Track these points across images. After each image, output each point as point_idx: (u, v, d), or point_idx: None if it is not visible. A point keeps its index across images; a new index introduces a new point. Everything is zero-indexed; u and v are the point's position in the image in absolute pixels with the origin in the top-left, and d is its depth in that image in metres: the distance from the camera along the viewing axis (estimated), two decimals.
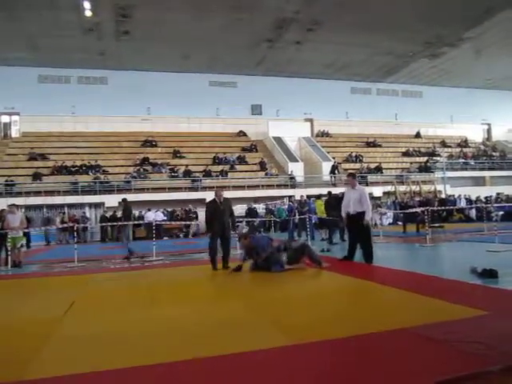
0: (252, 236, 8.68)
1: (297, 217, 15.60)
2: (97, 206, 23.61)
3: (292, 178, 27.16)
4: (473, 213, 23.18)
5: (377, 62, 30.79)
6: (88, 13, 21.82)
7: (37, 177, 23.57)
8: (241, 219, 17.62)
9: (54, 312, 5.13)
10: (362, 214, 8.24)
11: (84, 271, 9.60)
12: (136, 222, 20.50)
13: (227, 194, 24.49)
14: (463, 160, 32.92)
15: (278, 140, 31.19)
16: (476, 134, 39.18)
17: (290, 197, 23.79)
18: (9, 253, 10.47)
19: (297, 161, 29.18)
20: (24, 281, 8.55)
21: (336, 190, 18.05)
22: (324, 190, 21.46)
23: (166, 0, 20.98)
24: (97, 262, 11.25)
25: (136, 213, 22.39)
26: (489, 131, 40.68)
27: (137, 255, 11.56)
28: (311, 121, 34.32)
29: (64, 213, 22.18)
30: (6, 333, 4.35)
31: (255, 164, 28.53)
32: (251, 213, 21.90)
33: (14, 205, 11.68)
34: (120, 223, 11.69)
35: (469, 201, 25.01)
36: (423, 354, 3.13)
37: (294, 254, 7.92)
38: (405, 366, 2.94)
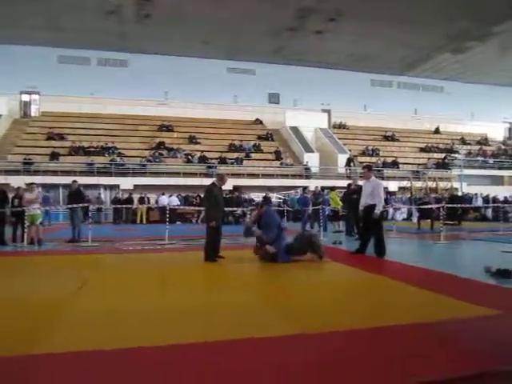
0: (268, 207, 8.48)
1: (310, 208, 15.54)
2: (112, 187, 23.83)
3: (307, 168, 27.05)
4: (489, 212, 22.86)
5: (398, 54, 30.31)
6: None
7: (54, 156, 23.86)
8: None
9: (67, 289, 5.21)
10: (373, 206, 8.15)
11: (97, 251, 9.72)
12: (149, 206, 20.82)
13: (242, 182, 24.76)
14: (482, 158, 32.36)
15: (295, 130, 31.02)
16: (497, 133, 38.49)
17: (304, 188, 23.68)
18: (25, 230, 10.65)
19: (312, 151, 29.01)
20: (38, 258, 8.69)
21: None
22: (339, 183, 21.40)
23: None
24: (110, 243, 11.38)
25: (151, 197, 22.70)
26: (510, 130, 39.90)
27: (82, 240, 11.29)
28: (329, 112, 34.00)
29: None
30: (17, 308, 4.40)
31: (271, 153, 28.46)
32: (267, 201, 21.88)
33: (33, 183, 11.84)
34: (70, 206, 11.49)
35: (486, 200, 24.62)
36: (431, 350, 3.10)
37: (302, 244, 7.80)
38: (410, 361, 2.90)
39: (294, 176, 26.52)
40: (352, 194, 12.23)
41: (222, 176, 8.40)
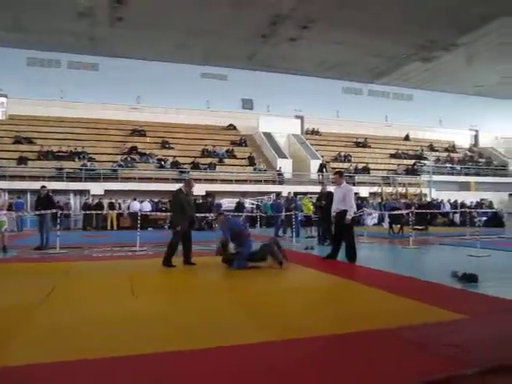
0: (227, 217, 8.45)
1: (283, 213, 15.61)
2: (82, 193, 23.34)
3: (280, 174, 27.17)
4: (457, 217, 23.44)
5: (370, 62, 30.88)
6: None
7: (22, 161, 23.20)
8: (228, 213, 17.58)
9: (32, 299, 5.05)
10: (345, 212, 8.22)
11: (65, 258, 9.49)
12: (120, 211, 20.48)
13: (215, 187, 24.66)
14: (450, 165, 33.27)
15: (268, 135, 31.16)
16: (463, 140, 39.68)
17: (277, 193, 23.81)
18: None
19: (285, 157, 29.19)
20: (3, 265, 8.40)
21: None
22: (311, 188, 21.63)
23: None
24: (79, 250, 11.12)
25: (121, 202, 22.34)
26: (476, 137, 41.18)
27: (50, 247, 11.02)
28: (301, 118, 34.35)
29: None
30: None
31: (244, 158, 28.47)
32: (240, 207, 21.85)
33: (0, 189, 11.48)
34: (38, 212, 11.22)
35: (453, 205, 25.27)
36: (399, 355, 3.14)
37: (265, 248, 7.77)
38: (379, 366, 2.94)
39: (267, 182, 26.59)
40: (322, 200, 12.32)
41: (189, 181, 8.28)
